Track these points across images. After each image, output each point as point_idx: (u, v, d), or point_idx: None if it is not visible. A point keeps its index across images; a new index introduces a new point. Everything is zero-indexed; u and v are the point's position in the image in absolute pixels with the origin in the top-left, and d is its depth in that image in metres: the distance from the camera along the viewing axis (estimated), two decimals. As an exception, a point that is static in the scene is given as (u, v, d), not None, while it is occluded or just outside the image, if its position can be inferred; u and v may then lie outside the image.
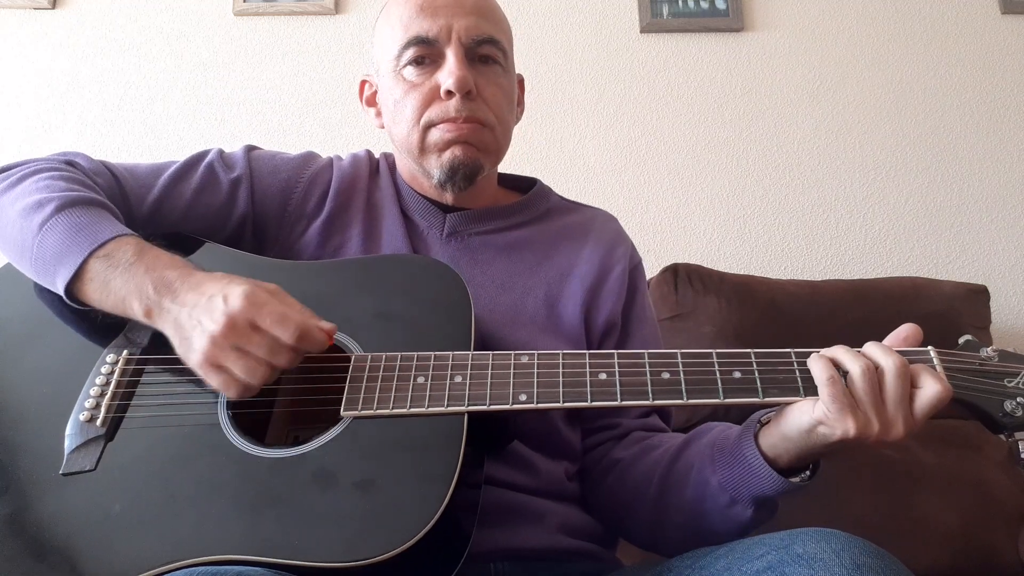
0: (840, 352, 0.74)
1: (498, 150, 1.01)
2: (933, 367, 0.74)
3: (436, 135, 0.96)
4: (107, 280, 0.79)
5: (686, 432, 0.94)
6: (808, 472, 0.79)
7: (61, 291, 0.81)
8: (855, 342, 0.76)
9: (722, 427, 0.88)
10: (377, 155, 1.12)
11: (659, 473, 0.89)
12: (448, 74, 0.94)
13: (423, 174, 1.01)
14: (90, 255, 0.79)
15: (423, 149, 0.97)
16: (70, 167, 0.92)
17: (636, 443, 0.96)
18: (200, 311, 0.74)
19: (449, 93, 0.94)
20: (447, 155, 0.96)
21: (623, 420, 0.98)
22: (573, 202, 1.13)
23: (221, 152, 1.03)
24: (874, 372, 0.71)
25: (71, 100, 2.02)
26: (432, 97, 0.96)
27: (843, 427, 0.71)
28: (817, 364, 0.73)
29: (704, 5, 2.08)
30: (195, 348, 0.74)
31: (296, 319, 0.74)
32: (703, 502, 0.83)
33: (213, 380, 0.75)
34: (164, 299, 0.77)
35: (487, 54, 0.98)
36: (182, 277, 0.78)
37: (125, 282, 0.78)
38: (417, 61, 0.96)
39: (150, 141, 2.00)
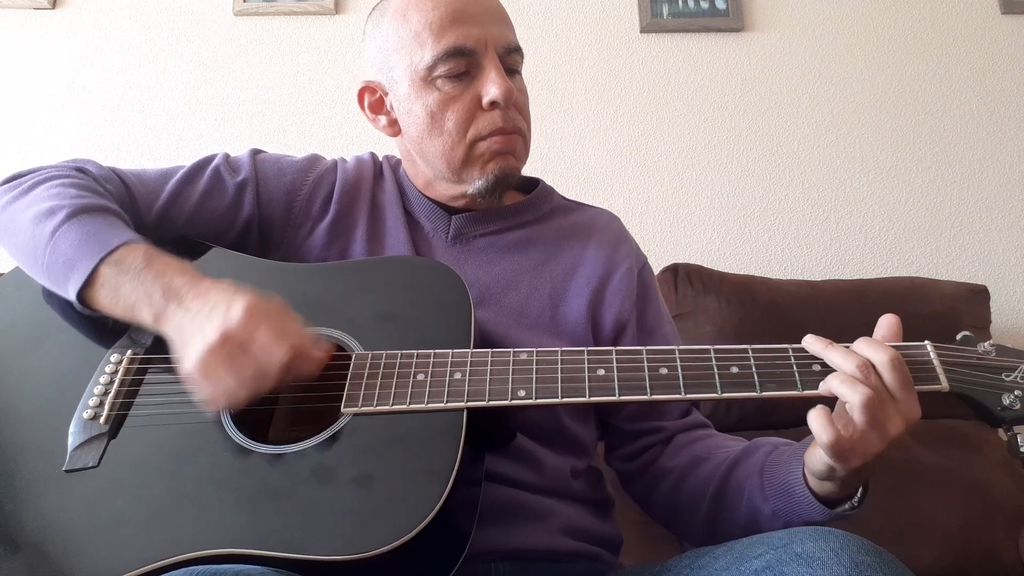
0: (835, 383, 0.72)
1: (527, 156, 1.02)
2: (932, 368, 0.74)
3: (484, 147, 0.95)
4: (117, 286, 0.79)
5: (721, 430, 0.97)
6: (858, 497, 0.79)
7: (73, 297, 0.82)
8: (852, 341, 0.76)
9: (768, 448, 0.88)
10: (380, 157, 1.12)
11: (711, 493, 0.90)
12: (494, 86, 0.93)
13: (452, 182, 0.99)
14: (101, 261, 0.80)
15: (467, 162, 0.96)
16: (81, 174, 0.93)
17: (682, 449, 0.97)
18: (202, 319, 0.74)
19: (493, 104, 0.93)
20: (492, 167, 0.96)
21: (666, 424, 0.99)
22: (576, 202, 1.13)
23: (227, 156, 1.03)
24: (875, 399, 0.70)
25: (71, 100, 2.02)
26: (474, 109, 0.94)
27: (848, 466, 0.72)
28: (817, 422, 0.71)
29: (704, 5, 2.08)
30: (189, 356, 0.74)
31: (286, 346, 0.73)
32: (757, 524, 0.85)
33: (200, 390, 0.75)
34: (171, 304, 0.77)
35: (515, 63, 0.98)
36: (189, 284, 0.78)
37: (135, 288, 0.79)
38: (456, 73, 0.94)
39: (150, 141, 2.01)
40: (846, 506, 0.79)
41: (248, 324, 0.73)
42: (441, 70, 0.93)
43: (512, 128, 0.95)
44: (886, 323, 0.78)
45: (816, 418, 0.71)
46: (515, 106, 0.96)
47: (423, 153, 0.99)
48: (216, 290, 0.77)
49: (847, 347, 0.75)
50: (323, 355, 0.77)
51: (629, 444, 1.00)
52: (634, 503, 1.03)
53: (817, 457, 0.75)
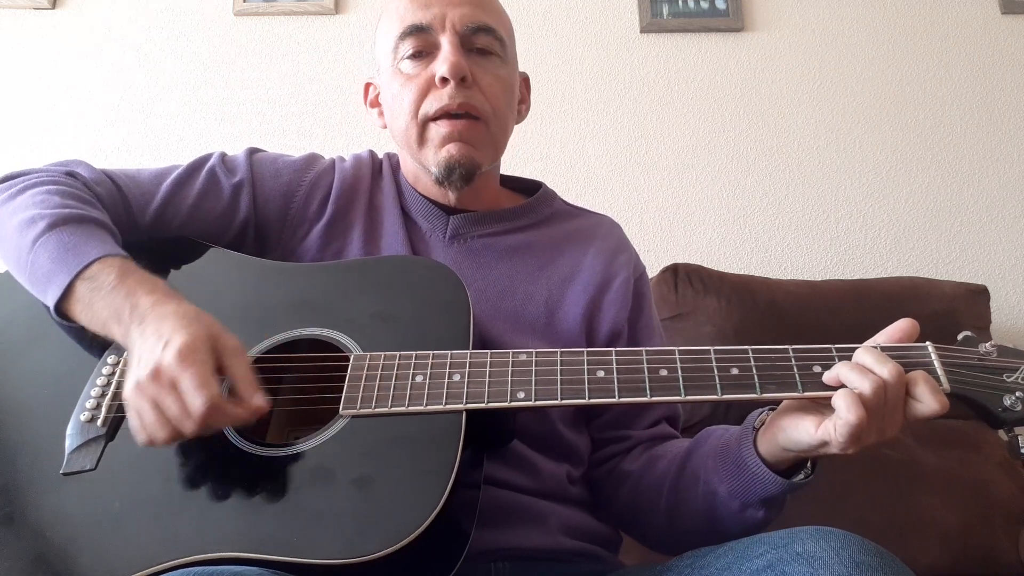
0: (844, 370, 0.73)
1: (495, 145, 0.99)
2: (932, 369, 0.74)
3: (434, 131, 0.95)
4: (91, 302, 0.79)
5: (687, 434, 0.95)
6: (810, 467, 0.80)
7: (52, 311, 0.82)
8: (854, 342, 0.76)
9: (719, 432, 0.89)
10: (380, 155, 1.11)
11: (668, 486, 0.90)
12: (442, 60, 0.92)
13: (423, 170, 1.00)
14: (76, 277, 0.80)
15: (422, 143, 0.96)
16: (70, 178, 0.92)
17: (642, 453, 0.96)
18: (150, 346, 0.73)
19: (444, 80, 0.92)
20: (443, 153, 0.95)
21: (633, 432, 0.98)
22: (577, 207, 1.12)
23: (223, 156, 1.03)
24: (883, 394, 0.70)
25: (71, 100, 2.02)
26: (428, 87, 0.94)
27: (845, 450, 0.72)
28: (844, 400, 0.71)
29: (704, 5, 2.08)
30: (126, 382, 0.73)
31: (206, 396, 0.69)
32: (715, 510, 0.84)
33: (129, 419, 0.73)
34: (133, 325, 0.76)
35: (485, 44, 0.97)
36: (153, 305, 0.76)
37: (106, 305, 0.78)
38: (414, 54, 0.95)
39: (150, 141, 2.01)
40: (800, 475, 0.79)
41: (178, 365, 0.70)
42: (401, 51, 0.96)
43: (459, 106, 0.93)
44: (900, 324, 0.78)
45: (844, 396, 0.70)
46: (479, 87, 0.95)
47: (396, 140, 1.01)
48: (174, 317, 0.74)
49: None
50: (248, 414, 0.72)
51: (596, 452, 1.00)
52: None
53: (800, 432, 0.74)
